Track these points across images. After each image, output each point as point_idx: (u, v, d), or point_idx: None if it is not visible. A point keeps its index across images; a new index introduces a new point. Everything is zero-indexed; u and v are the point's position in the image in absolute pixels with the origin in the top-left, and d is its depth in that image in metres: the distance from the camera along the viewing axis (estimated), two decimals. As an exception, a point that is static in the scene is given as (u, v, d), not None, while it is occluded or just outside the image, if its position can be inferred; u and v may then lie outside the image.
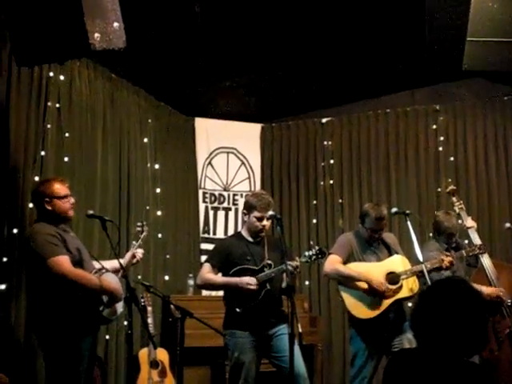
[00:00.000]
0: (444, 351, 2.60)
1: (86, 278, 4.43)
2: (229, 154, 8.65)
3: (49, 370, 4.48)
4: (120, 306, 4.73)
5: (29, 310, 4.81)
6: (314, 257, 5.01)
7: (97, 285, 4.45)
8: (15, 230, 5.36)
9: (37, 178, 5.56)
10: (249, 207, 5.15)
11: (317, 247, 5.11)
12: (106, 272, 4.66)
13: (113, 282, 4.63)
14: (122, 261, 4.87)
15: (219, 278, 5.14)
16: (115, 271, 4.77)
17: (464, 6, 4.89)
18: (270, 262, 5.04)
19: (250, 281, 4.92)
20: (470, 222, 6.02)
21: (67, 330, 4.35)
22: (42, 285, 4.43)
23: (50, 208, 4.55)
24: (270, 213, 5.00)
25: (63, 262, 4.35)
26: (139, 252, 5.12)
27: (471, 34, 5.01)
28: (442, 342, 2.60)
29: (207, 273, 5.12)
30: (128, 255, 5.08)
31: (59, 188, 4.60)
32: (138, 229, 5.44)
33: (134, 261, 5.10)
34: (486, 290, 5.68)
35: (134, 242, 5.31)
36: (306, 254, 5.04)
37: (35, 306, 4.51)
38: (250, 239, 5.18)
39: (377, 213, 5.39)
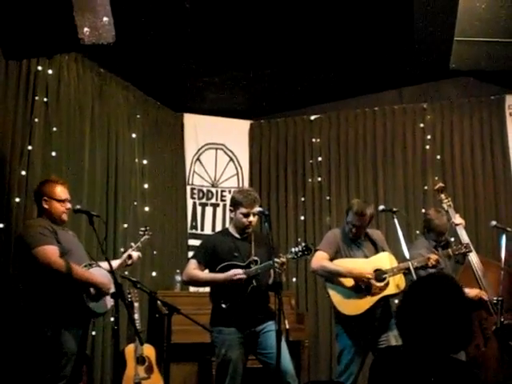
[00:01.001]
0: (429, 348, 2.61)
1: (72, 269, 4.51)
2: (217, 150, 8.65)
3: (30, 357, 4.58)
4: (111, 301, 4.77)
5: (17, 300, 4.89)
6: (300, 253, 4.99)
7: (82, 276, 4.57)
8: (1, 225, 5.35)
9: (23, 173, 5.56)
10: (235, 203, 5.15)
11: (303, 244, 5.08)
12: (96, 266, 4.72)
13: (100, 275, 4.69)
14: (117, 261, 5.15)
15: (205, 274, 5.12)
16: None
17: (452, 6, 4.91)
18: (256, 258, 5.03)
19: (236, 271, 4.92)
20: (458, 219, 6.04)
21: (52, 317, 4.47)
22: (29, 274, 4.56)
23: (46, 207, 4.77)
24: (258, 209, 5.00)
25: (50, 251, 4.50)
26: (135, 255, 5.23)
27: (459, 33, 5.04)
28: (427, 339, 2.61)
29: (193, 269, 5.10)
30: (124, 256, 5.26)
31: (60, 191, 4.82)
32: (141, 233, 5.58)
33: (129, 262, 5.24)
34: (468, 292, 5.71)
35: (132, 244, 5.38)
36: (293, 250, 5.03)
37: (25, 295, 4.62)
38: (237, 235, 5.17)
39: (358, 208, 5.39)
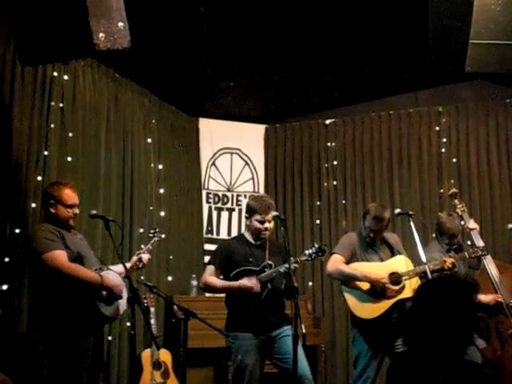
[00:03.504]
0: (435, 350, 2.61)
1: (81, 272, 4.46)
2: (232, 154, 8.66)
3: (50, 366, 4.51)
4: (123, 305, 4.74)
5: (31, 307, 4.82)
6: (314, 255, 5.01)
7: (93, 278, 4.49)
8: (17, 230, 5.33)
9: (39, 178, 5.56)
10: (250, 211, 5.17)
11: (317, 245, 5.09)
12: (107, 270, 4.68)
13: (112, 278, 4.65)
14: (127, 264, 4.93)
15: (222, 281, 5.13)
16: (119, 274, 4.79)
17: (467, 9, 4.89)
18: (270, 262, 5.04)
19: (253, 285, 4.92)
20: (472, 224, 6.03)
21: (66, 326, 4.38)
22: (40, 282, 4.49)
23: (53, 211, 4.64)
24: (274, 213, 5.00)
25: (58, 256, 4.40)
26: (145, 257, 5.15)
27: (474, 36, 5.01)
28: (432, 341, 2.61)
29: (210, 276, 5.12)
30: (134, 258, 5.13)
31: (67, 195, 4.67)
32: (150, 235, 5.52)
33: (140, 265, 5.13)
34: (484, 298, 5.71)
35: (142, 246, 5.34)
36: (307, 252, 5.05)
37: (36, 303, 4.54)
38: (253, 242, 5.19)
39: (376, 212, 5.41)
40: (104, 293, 4.56)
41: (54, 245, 4.45)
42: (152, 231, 5.58)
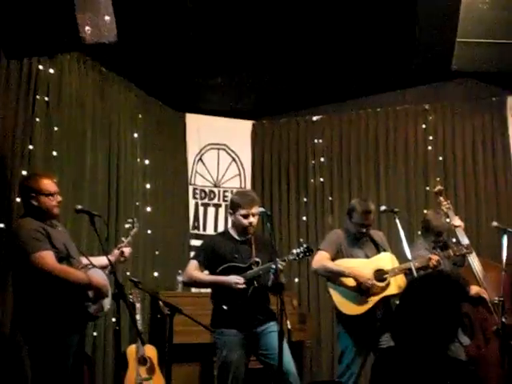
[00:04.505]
0: (424, 346, 2.62)
1: (71, 273, 4.41)
2: (219, 150, 8.65)
3: (34, 367, 4.45)
4: (107, 303, 4.70)
5: (14, 306, 4.75)
6: (301, 254, 5.00)
7: (83, 279, 4.44)
8: (2, 225, 5.30)
9: (24, 172, 5.50)
10: (233, 206, 5.14)
11: (305, 245, 5.11)
12: (93, 268, 4.63)
13: (100, 277, 4.60)
14: (109, 257, 4.82)
15: (206, 276, 5.12)
16: (103, 268, 4.75)
17: (454, 7, 4.91)
18: (257, 259, 5.03)
19: (237, 280, 4.90)
20: (457, 222, 6.05)
21: (53, 326, 4.32)
22: (26, 281, 4.39)
23: (35, 203, 4.51)
24: (260, 209, 4.99)
25: (46, 257, 4.32)
26: (127, 250, 5.10)
27: (461, 34, 5.03)
28: (422, 337, 2.62)
29: (193, 270, 5.10)
30: (116, 252, 5.06)
31: (47, 184, 4.55)
32: (129, 225, 5.43)
33: (122, 259, 5.08)
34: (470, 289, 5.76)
35: (123, 239, 5.29)
36: (294, 251, 5.04)
37: (20, 302, 4.47)
38: (238, 238, 5.16)
39: (363, 207, 5.42)
40: (90, 292, 4.50)
41: (42, 245, 4.35)
42: (130, 220, 5.51)
